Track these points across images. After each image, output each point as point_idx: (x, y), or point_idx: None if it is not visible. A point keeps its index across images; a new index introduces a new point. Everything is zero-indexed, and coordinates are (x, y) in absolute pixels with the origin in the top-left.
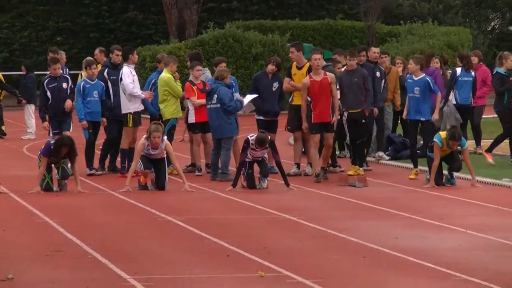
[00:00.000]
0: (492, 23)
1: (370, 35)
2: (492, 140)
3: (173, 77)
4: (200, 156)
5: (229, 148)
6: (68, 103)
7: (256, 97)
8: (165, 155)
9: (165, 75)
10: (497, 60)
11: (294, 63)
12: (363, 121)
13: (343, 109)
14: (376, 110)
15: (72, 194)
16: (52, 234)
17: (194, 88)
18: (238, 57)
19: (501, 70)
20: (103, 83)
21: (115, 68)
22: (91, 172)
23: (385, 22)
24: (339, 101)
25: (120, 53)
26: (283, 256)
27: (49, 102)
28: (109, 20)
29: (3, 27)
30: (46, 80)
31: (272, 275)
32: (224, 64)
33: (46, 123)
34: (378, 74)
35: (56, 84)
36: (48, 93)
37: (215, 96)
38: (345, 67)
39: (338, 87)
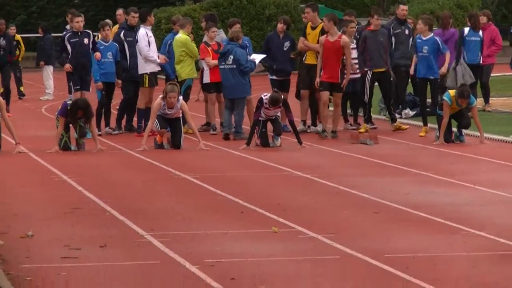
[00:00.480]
0: None
1: None
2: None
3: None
4: (215, 115)
5: (243, 107)
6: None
7: (265, 57)
8: (181, 115)
9: (182, 36)
10: None
11: (309, 23)
12: (391, 78)
13: (367, 69)
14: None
15: (89, 153)
16: (70, 192)
17: (209, 49)
18: (252, 19)
19: None
20: (117, 45)
21: (132, 30)
22: (108, 131)
23: None
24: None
25: (136, 15)
26: (296, 212)
27: (69, 57)
28: None
29: None
30: (68, 35)
31: (285, 230)
32: (238, 26)
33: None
34: (406, 32)
35: (77, 39)
36: (69, 47)
37: (231, 57)
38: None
39: (360, 46)
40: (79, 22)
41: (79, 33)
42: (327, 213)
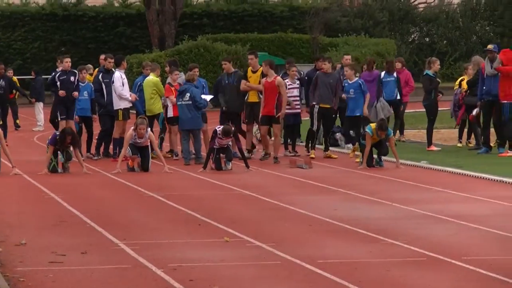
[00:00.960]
0: (413, 36)
1: (315, 45)
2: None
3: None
4: (177, 144)
5: (200, 137)
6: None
7: (213, 97)
8: (149, 143)
9: (153, 78)
10: (426, 64)
11: (250, 68)
12: (333, 115)
13: (314, 103)
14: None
15: (73, 174)
16: (58, 208)
17: (172, 89)
18: (208, 64)
19: (430, 72)
20: (91, 85)
21: (108, 73)
22: (89, 156)
23: (326, 35)
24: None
25: (112, 60)
26: (245, 225)
27: (58, 91)
28: (104, 34)
29: (18, 40)
30: (58, 74)
31: (235, 240)
32: (196, 69)
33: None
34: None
35: (65, 76)
36: (58, 83)
37: (187, 94)
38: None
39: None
40: (67, 62)
41: (67, 72)
42: (269, 226)
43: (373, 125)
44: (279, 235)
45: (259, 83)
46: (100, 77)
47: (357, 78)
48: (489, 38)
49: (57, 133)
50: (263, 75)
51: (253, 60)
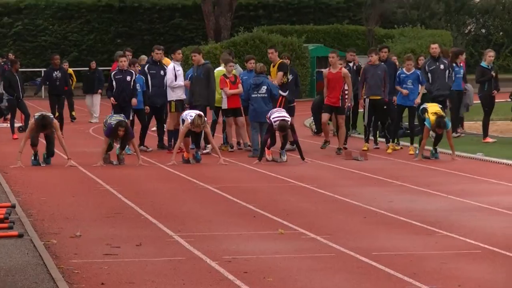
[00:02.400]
0: (469, 27)
1: (370, 37)
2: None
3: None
4: (232, 135)
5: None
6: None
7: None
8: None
9: (222, 69)
10: (483, 56)
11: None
12: (384, 106)
13: (365, 96)
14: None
15: (128, 166)
16: (112, 200)
17: (227, 80)
18: (264, 55)
19: (484, 64)
20: (143, 77)
21: (155, 64)
22: (143, 148)
23: (382, 26)
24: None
25: (160, 52)
26: (299, 217)
27: (114, 91)
28: (159, 26)
29: (74, 31)
30: (114, 72)
31: (290, 232)
32: (253, 61)
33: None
34: (442, 67)
35: (121, 76)
36: (114, 83)
37: (264, 87)
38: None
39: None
40: (123, 61)
41: (123, 71)
42: (324, 218)
43: (432, 118)
44: (334, 227)
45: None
46: (146, 68)
47: (414, 69)
48: None
49: (113, 125)
50: (279, 68)
51: (273, 54)
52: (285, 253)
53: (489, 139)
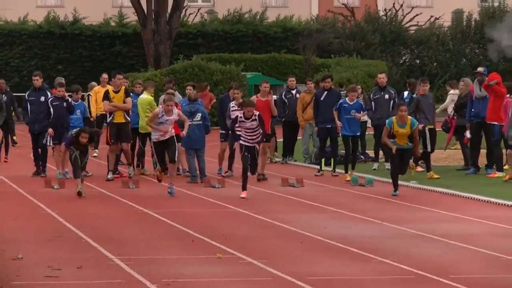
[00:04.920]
0: (404, 58)
1: (307, 66)
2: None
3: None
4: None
5: (203, 156)
6: (50, 131)
7: None
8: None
9: (148, 97)
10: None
11: (111, 88)
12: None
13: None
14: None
15: (68, 189)
16: (54, 223)
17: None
18: (207, 83)
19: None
20: (84, 104)
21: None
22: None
23: (319, 56)
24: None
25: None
26: (237, 242)
27: (51, 117)
28: (100, 53)
29: (16, 57)
30: (50, 99)
31: (228, 256)
32: (191, 87)
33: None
34: (386, 96)
35: (58, 103)
36: (51, 110)
37: (199, 114)
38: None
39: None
40: (61, 91)
41: (59, 98)
42: (261, 243)
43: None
44: (271, 251)
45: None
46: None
47: (356, 100)
48: (478, 61)
49: (73, 133)
50: (127, 94)
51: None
52: (223, 277)
53: (419, 168)
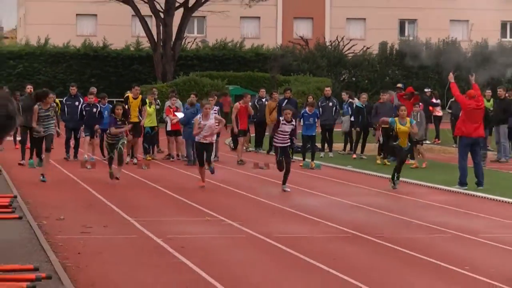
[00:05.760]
0: (343, 76)
1: (273, 82)
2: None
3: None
4: (173, 149)
5: None
6: (96, 127)
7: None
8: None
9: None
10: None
11: (131, 95)
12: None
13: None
14: None
15: (97, 170)
16: (88, 195)
17: (171, 110)
18: (197, 93)
19: (359, 104)
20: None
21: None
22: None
23: (282, 74)
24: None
25: (74, 87)
26: (221, 209)
27: (84, 118)
28: (122, 69)
29: (60, 72)
30: (84, 105)
31: (214, 219)
32: (194, 95)
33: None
34: (330, 104)
35: (89, 108)
36: (84, 113)
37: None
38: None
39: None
40: (91, 97)
41: (90, 104)
42: (239, 210)
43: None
44: (246, 216)
45: (139, 108)
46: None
47: (314, 109)
48: (397, 79)
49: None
50: (143, 102)
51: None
52: (210, 234)
53: (354, 155)
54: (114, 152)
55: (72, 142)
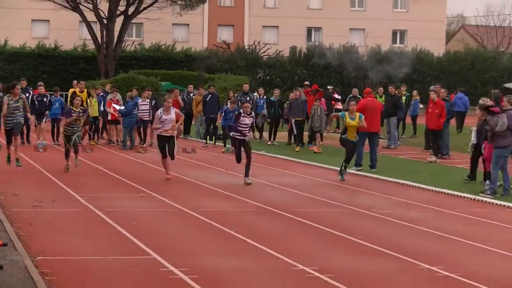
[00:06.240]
0: (259, 75)
1: (200, 79)
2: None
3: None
4: (114, 136)
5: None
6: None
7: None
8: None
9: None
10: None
11: (78, 90)
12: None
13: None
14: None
15: (52, 151)
16: (40, 174)
17: (112, 102)
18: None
19: (273, 98)
20: (62, 99)
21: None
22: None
23: (207, 72)
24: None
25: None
26: (153, 186)
27: (36, 107)
28: (70, 67)
29: (17, 69)
30: (35, 96)
31: (147, 195)
32: (135, 90)
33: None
34: (248, 98)
35: (40, 98)
36: (36, 103)
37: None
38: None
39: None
40: (41, 87)
41: (41, 95)
42: (170, 188)
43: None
44: (175, 193)
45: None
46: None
47: (235, 106)
48: (305, 78)
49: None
50: (88, 94)
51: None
52: (144, 208)
53: (269, 142)
54: (70, 144)
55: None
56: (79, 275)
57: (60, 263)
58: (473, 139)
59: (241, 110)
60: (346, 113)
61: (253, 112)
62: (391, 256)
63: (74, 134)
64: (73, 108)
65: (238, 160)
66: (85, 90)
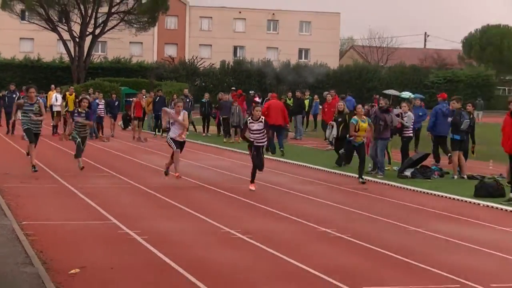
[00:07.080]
0: (196, 82)
1: (152, 85)
2: None
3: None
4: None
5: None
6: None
7: None
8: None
9: (70, 96)
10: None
11: (67, 93)
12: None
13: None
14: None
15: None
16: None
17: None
18: (101, 91)
19: (204, 100)
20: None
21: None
22: None
23: (157, 79)
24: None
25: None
26: (113, 168)
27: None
28: (50, 75)
29: (8, 77)
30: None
31: (107, 175)
32: (99, 94)
33: None
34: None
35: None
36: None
37: (100, 106)
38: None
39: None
40: (32, 92)
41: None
42: (127, 169)
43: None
44: (130, 172)
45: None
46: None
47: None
48: (232, 84)
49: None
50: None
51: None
52: (104, 185)
53: (204, 134)
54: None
55: (11, 122)
56: (55, 236)
57: (41, 227)
58: (334, 133)
59: (248, 118)
60: (357, 117)
61: (263, 118)
62: (295, 221)
63: (84, 137)
64: (79, 109)
65: (254, 163)
66: (74, 93)
